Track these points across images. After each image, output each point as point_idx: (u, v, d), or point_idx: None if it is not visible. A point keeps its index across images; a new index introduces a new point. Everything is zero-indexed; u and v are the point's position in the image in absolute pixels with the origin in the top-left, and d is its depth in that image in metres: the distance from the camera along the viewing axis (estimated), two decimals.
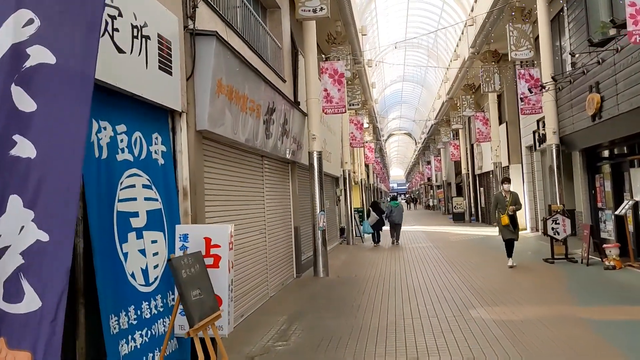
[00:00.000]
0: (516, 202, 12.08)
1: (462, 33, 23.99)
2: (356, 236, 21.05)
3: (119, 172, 4.70)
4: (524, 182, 21.19)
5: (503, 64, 21.03)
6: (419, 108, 52.73)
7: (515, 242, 12.30)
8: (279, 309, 8.70)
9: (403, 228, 22.41)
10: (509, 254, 12.15)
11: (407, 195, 79.81)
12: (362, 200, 30.77)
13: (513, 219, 12.00)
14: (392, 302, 8.84)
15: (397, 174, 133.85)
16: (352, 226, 20.55)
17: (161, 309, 5.05)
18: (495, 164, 21.26)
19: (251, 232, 8.96)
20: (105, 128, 4.55)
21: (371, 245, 19.79)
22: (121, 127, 4.81)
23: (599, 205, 13.29)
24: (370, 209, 20.59)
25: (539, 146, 17.68)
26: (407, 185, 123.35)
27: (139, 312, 4.67)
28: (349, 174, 20.64)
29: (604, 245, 11.51)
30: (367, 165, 38.02)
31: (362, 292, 9.83)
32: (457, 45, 26.31)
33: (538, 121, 17.54)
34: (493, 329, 6.76)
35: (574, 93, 12.91)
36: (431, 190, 65.20)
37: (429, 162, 60.55)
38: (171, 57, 5.66)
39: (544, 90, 12.82)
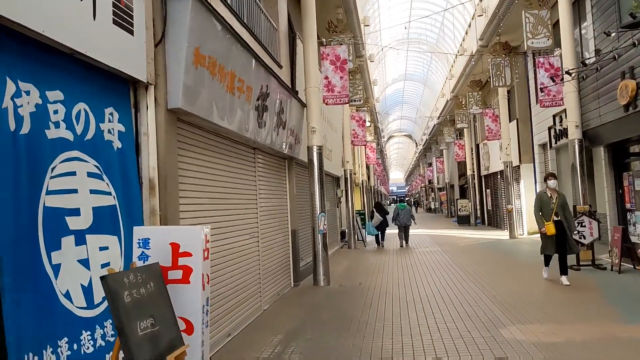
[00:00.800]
0: (564, 206, 9.78)
1: (469, 26, 22.77)
2: (358, 240, 19.79)
3: (49, 154, 3.45)
4: (536, 183, 19.95)
5: (514, 57, 19.83)
6: (420, 108, 51.51)
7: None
8: (273, 325, 7.44)
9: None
10: (547, 262, 10.32)
11: (406, 199, 79.97)
12: (363, 202, 29.54)
13: (561, 227, 9.57)
14: (405, 317, 7.58)
15: (396, 176, 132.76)
16: (354, 229, 19.30)
17: (111, 339, 3.80)
18: (506, 164, 20.01)
19: (241, 237, 7.70)
20: (28, 92, 3.30)
21: (374, 247, 19.11)
22: (55, 94, 3.56)
23: (627, 206, 12.05)
24: (374, 210, 20.13)
25: (555, 143, 16.45)
26: (406, 188, 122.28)
27: (75, 346, 3.42)
28: (350, 174, 19.40)
29: None
30: (367, 167, 36.83)
31: (368, 305, 8.57)
32: (464, 40, 25.10)
33: (554, 116, 16.32)
34: (534, 354, 5.50)
35: (602, 81, 11.69)
36: (432, 193, 63.96)
37: (430, 164, 59.35)
38: (132, 11, 4.41)
39: (569, 77, 11.56)
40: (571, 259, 11.71)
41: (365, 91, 26.66)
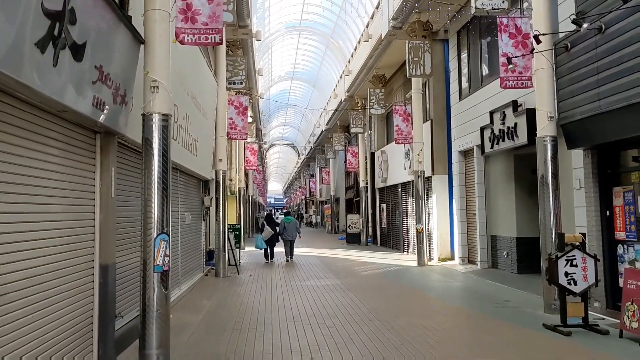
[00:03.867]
0: None
1: (378, 6, 18.88)
2: (230, 264, 14.90)
3: None
4: (452, 199, 16.31)
5: (434, 42, 16.14)
6: (307, 114, 47.59)
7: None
8: None
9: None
10: None
11: (291, 211, 73.69)
12: (239, 215, 24.64)
13: None
14: None
15: (274, 188, 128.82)
16: (224, 250, 14.39)
17: None
18: (417, 173, 16.18)
19: None
20: None
21: (262, 262, 17.70)
22: None
23: (620, 235, 8.37)
24: (265, 222, 18.48)
25: (492, 148, 12.76)
26: (284, 200, 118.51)
27: None
28: (224, 178, 14.52)
29: None
30: (246, 173, 31.99)
31: None
32: (368, 26, 21.21)
33: (492, 113, 12.65)
34: None
35: (596, 54, 7.93)
36: (313, 206, 60.31)
37: (312, 175, 55.68)
38: None
39: (541, 45, 7.66)
40: (555, 317, 7.78)
41: (249, 80, 21.93)
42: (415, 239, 17.89)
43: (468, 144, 14.76)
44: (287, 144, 70.91)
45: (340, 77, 28.81)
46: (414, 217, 19.10)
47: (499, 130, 12.24)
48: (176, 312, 9.15)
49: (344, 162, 36.75)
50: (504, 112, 12.01)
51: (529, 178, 12.77)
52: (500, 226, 13.62)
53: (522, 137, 11.16)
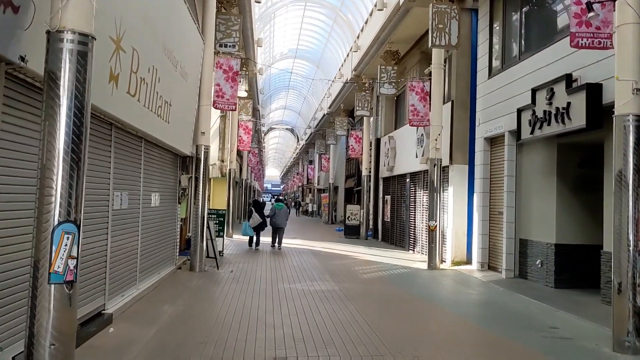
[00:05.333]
0: None
1: None
2: (208, 256, 12.63)
3: None
4: (473, 194, 14.03)
5: (461, 11, 13.77)
6: (308, 97, 45.19)
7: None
8: None
9: (284, 244, 18.29)
10: None
11: (284, 198, 70.52)
12: (229, 199, 22.36)
13: None
14: None
15: (272, 173, 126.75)
16: (202, 240, 12.12)
17: None
18: (433, 162, 13.87)
19: None
20: None
21: (246, 250, 16.64)
22: None
23: None
24: (252, 209, 17.58)
25: (531, 133, 10.45)
26: (282, 187, 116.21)
27: None
28: (206, 155, 12.20)
29: None
30: (240, 154, 29.69)
31: None
32: None
33: (535, 91, 10.34)
34: None
35: None
36: (310, 194, 58.01)
37: (311, 162, 53.34)
38: None
39: None
40: (629, 358, 5.54)
41: (245, 47, 19.61)
42: (426, 238, 15.68)
43: (497, 129, 12.46)
44: (286, 129, 68.50)
45: (347, 56, 26.41)
46: (424, 211, 16.87)
47: (544, 112, 9.92)
48: (122, 322, 6.91)
49: (346, 148, 34.44)
50: (551, 90, 9.70)
51: (574, 172, 10.55)
52: (533, 229, 11.36)
53: (578, 120, 8.85)
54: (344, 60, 27.55)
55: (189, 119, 11.52)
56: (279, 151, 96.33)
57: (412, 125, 14.93)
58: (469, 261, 14.24)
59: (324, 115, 35.80)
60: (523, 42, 11.85)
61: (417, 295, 10.09)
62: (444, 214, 14.79)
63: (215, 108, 12.46)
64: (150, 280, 9.47)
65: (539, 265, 10.97)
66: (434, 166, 13.94)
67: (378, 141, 23.63)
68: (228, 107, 12.43)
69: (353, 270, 13.04)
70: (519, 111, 10.95)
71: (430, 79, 14.46)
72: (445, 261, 14.53)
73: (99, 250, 6.93)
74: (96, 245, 6.82)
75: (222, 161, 25.10)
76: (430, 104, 14.43)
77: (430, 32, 12.96)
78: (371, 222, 24.14)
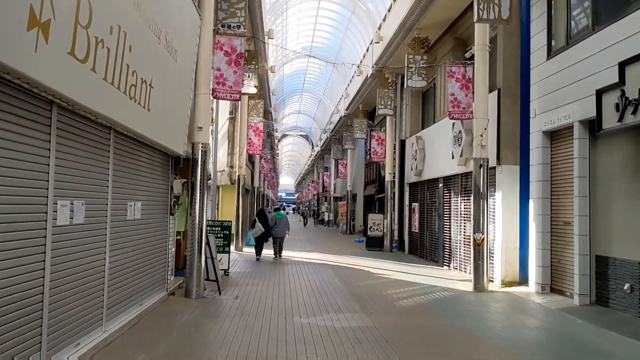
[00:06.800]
0: None
1: None
2: (208, 279, 10.36)
3: None
4: (529, 199, 11.64)
5: None
6: (323, 100, 42.97)
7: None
8: None
9: (298, 258, 17.47)
10: None
11: (306, 208, 65.75)
12: (238, 209, 20.13)
13: None
14: None
15: (286, 182, 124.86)
16: (200, 258, 9.86)
17: None
18: (479, 162, 11.51)
19: None
20: None
21: (254, 262, 13.69)
22: None
23: None
24: (256, 218, 17.03)
25: (623, 118, 8.05)
26: (296, 195, 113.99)
27: None
28: (204, 154, 9.96)
29: None
30: (251, 160, 27.54)
31: None
32: None
33: (623, 66, 7.97)
34: None
35: None
36: (325, 202, 55.62)
37: (327, 169, 50.99)
38: None
39: None
40: None
41: (255, 39, 17.49)
42: (464, 252, 13.39)
43: (562, 119, 10.09)
44: (300, 135, 66.31)
45: (367, 50, 24.12)
46: (462, 221, 14.52)
47: None
48: None
49: (365, 152, 32.13)
50: None
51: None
52: (616, 244, 8.95)
53: None
54: (363, 56, 25.25)
55: (181, 111, 9.29)
56: (293, 159, 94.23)
57: (452, 119, 12.55)
58: (523, 282, 11.83)
59: (340, 117, 33.52)
60: (599, 7, 9.48)
61: (474, 332, 7.69)
62: (492, 224, 12.40)
63: (216, 98, 10.22)
64: (125, 316, 7.20)
65: (628, 291, 8.54)
66: (480, 167, 11.57)
67: (403, 143, 21.28)
68: (231, 96, 10.19)
69: (385, 295, 10.68)
70: (599, 93, 8.56)
71: (472, 64, 12.13)
72: (492, 281, 12.13)
73: (29, 285, 4.69)
74: (24, 278, 4.59)
75: (232, 167, 22.93)
76: (472, 92, 12.09)
77: (475, 3, 10.64)
78: (396, 233, 21.74)
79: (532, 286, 11.10)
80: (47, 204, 4.96)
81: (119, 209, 6.89)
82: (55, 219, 5.13)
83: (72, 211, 5.50)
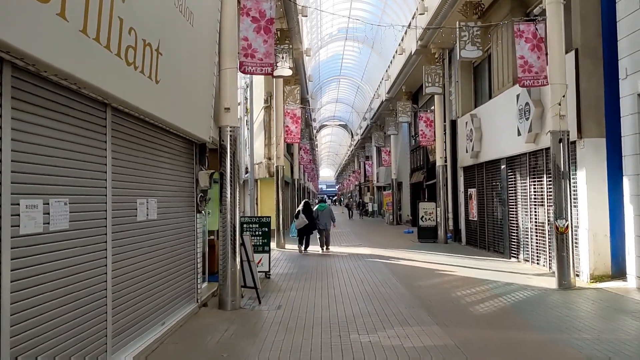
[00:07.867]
0: None
1: None
2: (245, 286, 8.88)
3: None
4: (623, 177, 9.72)
5: None
6: (362, 85, 41.11)
7: None
8: None
9: (347, 253, 16.02)
10: None
11: (350, 199, 64.10)
12: (278, 203, 18.66)
13: None
14: None
15: (326, 174, 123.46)
16: (234, 261, 8.36)
17: None
18: (558, 135, 9.64)
19: None
20: None
21: (298, 252, 16.27)
22: None
23: None
24: (300, 210, 16.81)
25: None
26: (337, 187, 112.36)
27: None
28: (234, 140, 8.43)
29: None
30: (290, 151, 26.07)
31: None
32: None
33: None
34: None
35: None
36: (368, 193, 53.83)
37: (368, 158, 49.17)
38: None
39: None
40: None
41: (287, 17, 15.95)
42: (536, 241, 11.60)
43: None
44: (339, 125, 64.68)
45: (409, 26, 22.25)
46: (530, 206, 12.66)
47: None
48: None
49: (410, 137, 30.25)
50: None
51: None
52: None
53: None
54: (405, 33, 23.38)
55: (203, 88, 7.78)
56: (332, 149, 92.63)
57: (522, 86, 10.66)
58: (616, 276, 9.95)
59: (382, 102, 31.68)
60: None
61: (587, 350, 5.93)
62: (575, 207, 10.52)
63: (244, 72, 8.65)
64: (140, 342, 5.74)
65: None
66: (560, 142, 9.70)
67: (454, 123, 19.41)
68: (262, 69, 8.61)
69: (455, 298, 8.97)
70: None
71: (544, 20, 10.23)
72: (578, 275, 10.28)
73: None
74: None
75: (269, 159, 21.48)
76: (545, 54, 10.21)
77: None
78: (451, 222, 19.91)
79: (632, 281, 9.21)
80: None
81: (123, 207, 5.42)
82: (18, 226, 3.66)
83: (48, 214, 4.03)
